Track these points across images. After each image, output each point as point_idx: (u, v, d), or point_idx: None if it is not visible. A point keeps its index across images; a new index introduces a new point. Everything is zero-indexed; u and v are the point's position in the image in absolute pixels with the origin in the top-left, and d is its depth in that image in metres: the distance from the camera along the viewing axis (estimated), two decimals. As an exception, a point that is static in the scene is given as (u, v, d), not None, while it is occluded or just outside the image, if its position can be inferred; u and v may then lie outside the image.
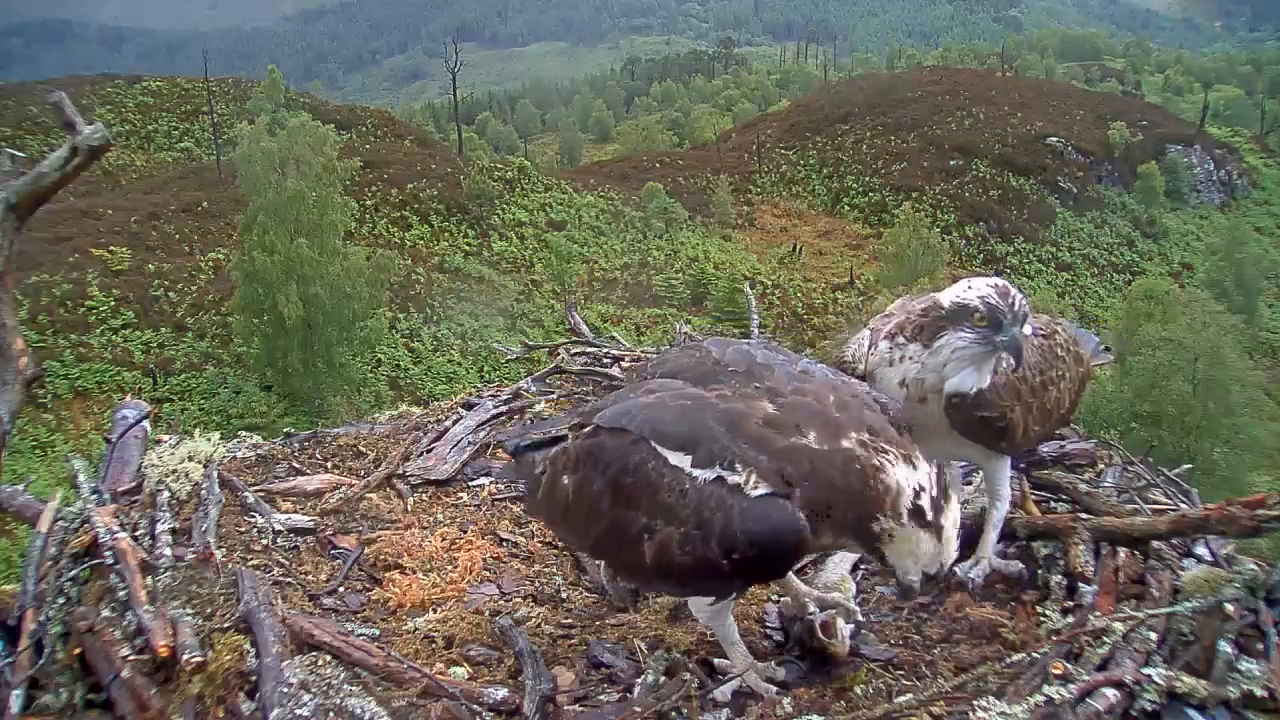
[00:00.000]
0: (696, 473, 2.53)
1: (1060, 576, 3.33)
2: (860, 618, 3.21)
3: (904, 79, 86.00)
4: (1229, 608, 2.69)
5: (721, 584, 2.65)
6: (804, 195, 63.51)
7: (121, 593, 3.04)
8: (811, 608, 3.19)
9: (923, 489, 2.51)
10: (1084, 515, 3.56)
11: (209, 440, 4.39)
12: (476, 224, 48.63)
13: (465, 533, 4.22)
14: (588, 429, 2.85)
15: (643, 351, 6.43)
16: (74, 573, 3.25)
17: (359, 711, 2.58)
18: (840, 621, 3.12)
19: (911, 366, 3.15)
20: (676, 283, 47.29)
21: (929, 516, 2.51)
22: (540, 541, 4.23)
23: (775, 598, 3.52)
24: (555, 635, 3.36)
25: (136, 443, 4.40)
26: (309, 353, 31.39)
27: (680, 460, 2.56)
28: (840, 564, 3.62)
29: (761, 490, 2.49)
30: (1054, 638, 2.86)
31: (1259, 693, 2.46)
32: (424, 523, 4.31)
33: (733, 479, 2.50)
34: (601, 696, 2.94)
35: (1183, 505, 3.87)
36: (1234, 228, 55.66)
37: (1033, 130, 65.91)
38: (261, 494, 4.23)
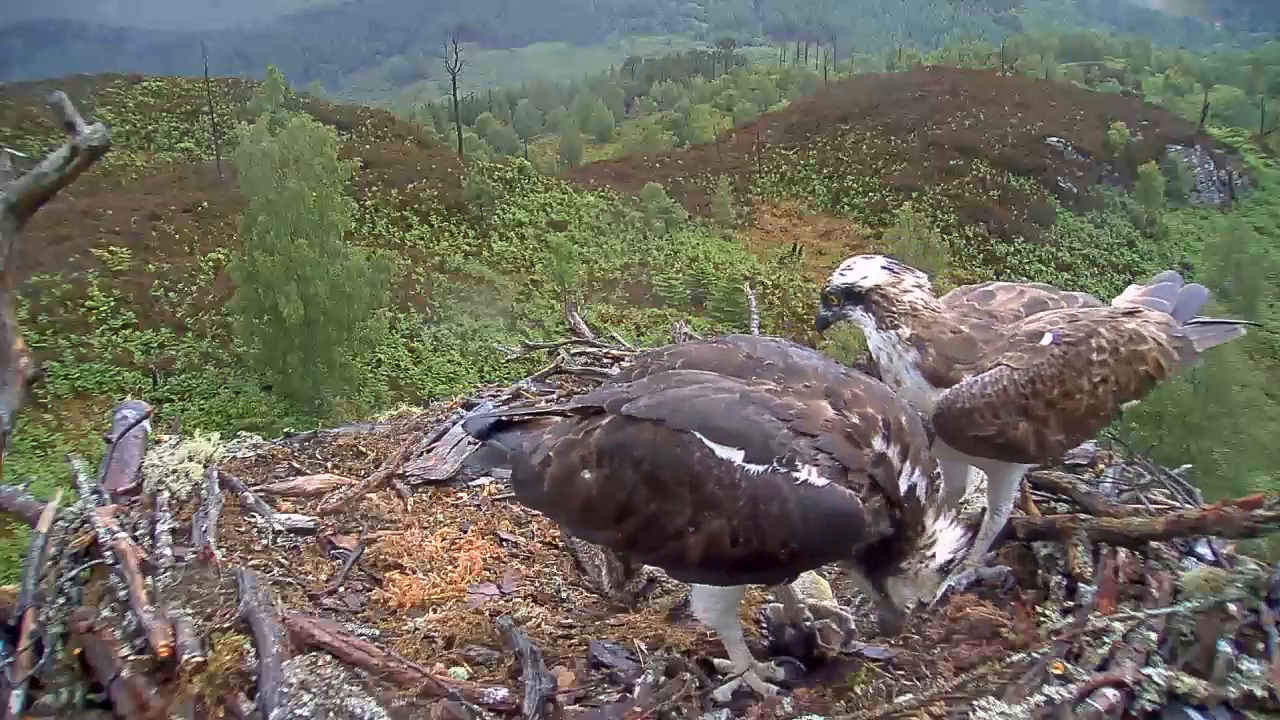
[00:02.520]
0: (750, 467, 2.49)
1: (1060, 576, 3.33)
2: (852, 626, 3.20)
3: (904, 79, 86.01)
4: (1232, 608, 2.70)
5: (777, 571, 2.66)
6: (804, 195, 63.48)
7: (121, 593, 3.04)
8: (806, 614, 3.19)
9: (958, 549, 2.73)
10: (1083, 515, 3.55)
11: (209, 440, 4.38)
12: (476, 224, 48.61)
13: (465, 533, 4.22)
14: (612, 420, 2.74)
15: (641, 351, 6.39)
16: (74, 573, 3.25)
17: (359, 711, 2.58)
18: (835, 628, 3.14)
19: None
20: (676, 283, 47.27)
21: (949, 568, 2.76)
22: (540, 541, 4.23)
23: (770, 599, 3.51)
24: (555, 635, 3.36)
25: (136, 443, 4.39)
26: (309, 353, 31.38)
27: (730, 454, 2.51)
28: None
29: (821, 481, 2.49)
30: (1054, 638, 2.86)
31: (1259, 693, 2.46)
32: (424, 523, 4.31)
33: (791, 473, 2.48)
34: (601, 696, 2.94)
35: (1185, 505, 3.85)
36: (1234, 228, 55.67)
37: (1033, 130, 65.91)
38: (261, 494, 4.23)
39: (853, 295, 3.28)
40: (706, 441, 2.54)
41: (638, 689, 2.84)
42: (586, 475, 2.74)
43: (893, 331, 3.21)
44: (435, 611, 3.51)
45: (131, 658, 2.82)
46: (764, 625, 3.38)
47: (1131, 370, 3.26)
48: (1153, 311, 3.46)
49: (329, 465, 4.83)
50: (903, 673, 2.96)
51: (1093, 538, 3.38)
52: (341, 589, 3.67)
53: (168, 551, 3.38)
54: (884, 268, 3.28)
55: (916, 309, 3.20)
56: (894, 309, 3.21)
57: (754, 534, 2.48)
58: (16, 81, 72.51)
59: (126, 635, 2.91)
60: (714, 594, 2.89)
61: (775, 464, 2.48)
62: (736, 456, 2.51)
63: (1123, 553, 3.34)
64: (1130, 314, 3.41)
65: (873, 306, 3.25)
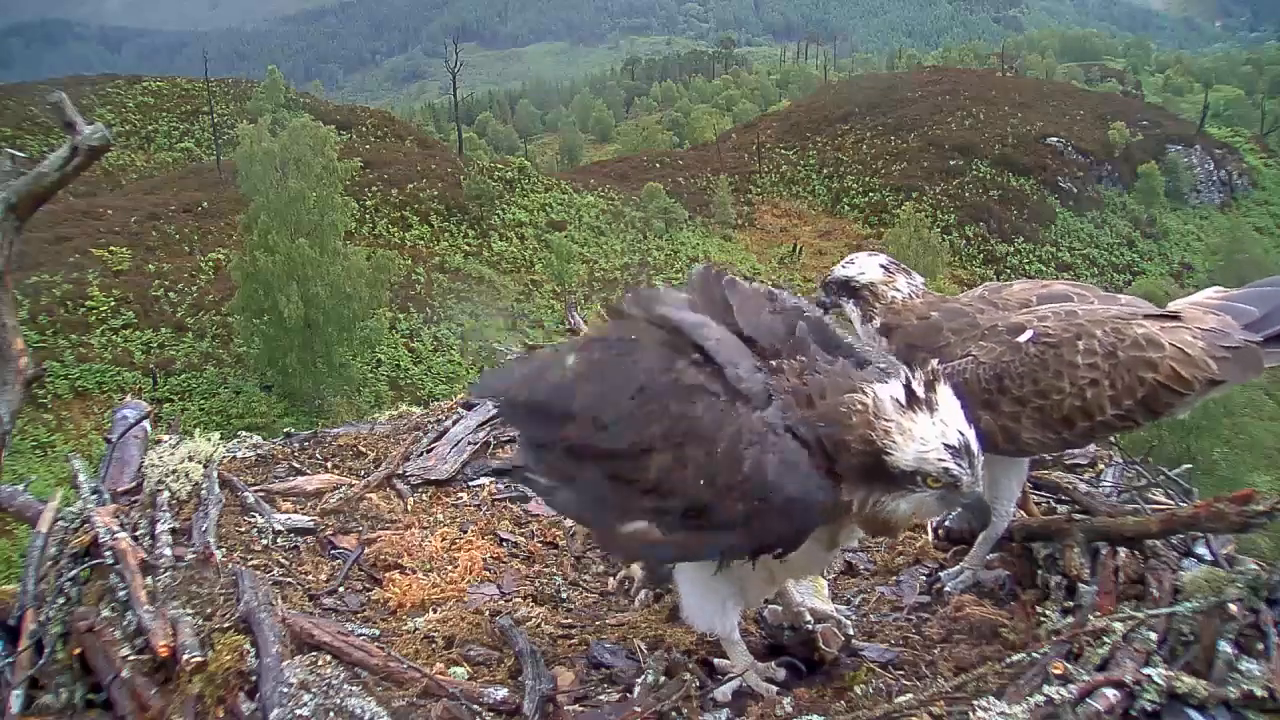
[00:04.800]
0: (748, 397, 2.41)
1: (1059, 577, 3.32)
2: (850, 631, 3.19)
3: (904, 79, 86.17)
4: (1232, 608, 2.69)
5: (725, 535, 2.46)
6: (804, 195, 63.55)
7: (121, 593, 3.04)
8: (807, 617, 3.18)
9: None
10: (1079, 516, 3.54)
11: (209, 440, 4.37)
12: (476, 224, 48.66)
13: (465, 533, 4.21)
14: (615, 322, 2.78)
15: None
16: (74, 573, 3.25)
17: (359, 711, 2.57)
18: (835, 632, 3.13)
19: None
20: (676, 283, 47.25)
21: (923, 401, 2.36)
22: (540, 541, 4.23)
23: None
24: (555, 635, 3.35)
25: (136, 443, 4.38)
26: (309, 353, 31.42)
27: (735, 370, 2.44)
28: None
29: (794, 445, 2.40)
30: (1054, 638, 2.85)
31: (1259, 693, 2.46)
32: (424, 523, 4.30)
33: (780, 425, 2.39)
34: (601, 696, 2.93)
35: (1182, 504, 3.85)
36: (1234, 228, 55.77)
37: (1033, 130, 65.99)
38: (261, 494, 4.22)
39: (848, 288, 3.46)
40: (716, 359, 2.46)
41: (638, 689, 2.83)
42: (570, 360, 2.71)
43: (869, 325, 3.39)
44: (435, 611, 3.51)
45: (131, 658, 2.82)
46: (763, 626, 3.39)
47: (1135, 377, 3.03)
48: (1208, 317, 3.17)
49: (329, 465, 4.82)
50: (903, 673, 2.96)
51: (1089, 537, 3.37)
52: (341, 589, 3.67)
53: (168, 551, 3.38)
54: (881, 266, 3.44)
55: (894, 302, 3.37)
56: (876, 305, 3.40)
57: (720, 472, 2.36)
58: (16, 81, 72.58)
59: (126, 635, 2.91)
60: (702, 594, 2.86)
61: (771, 409, 2.42)
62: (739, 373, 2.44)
63: (1122, 553, 3.33)
64: (1163, 318, 3.16)
65: (860, 302, 3.43)
